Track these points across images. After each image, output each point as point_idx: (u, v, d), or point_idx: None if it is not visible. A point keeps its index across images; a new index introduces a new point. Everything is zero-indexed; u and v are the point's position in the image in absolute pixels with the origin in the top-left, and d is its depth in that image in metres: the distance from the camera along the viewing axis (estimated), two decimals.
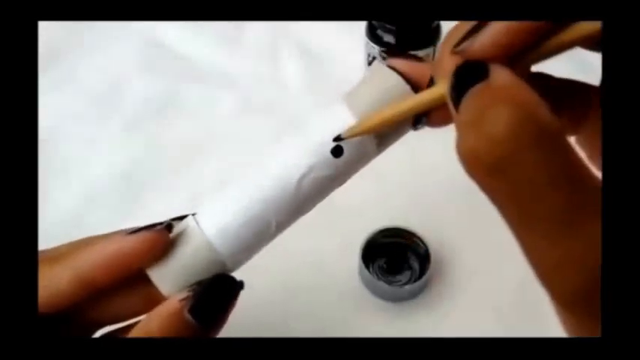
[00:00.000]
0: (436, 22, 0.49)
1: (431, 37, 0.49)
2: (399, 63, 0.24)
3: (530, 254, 0.18)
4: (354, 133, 0.24)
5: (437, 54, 0.22)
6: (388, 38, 0.48)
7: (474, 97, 0.18)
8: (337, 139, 0.24)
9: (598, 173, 0.18)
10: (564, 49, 0.19)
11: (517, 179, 0.17)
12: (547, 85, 0.23)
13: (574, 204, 0.17)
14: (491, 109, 0.17)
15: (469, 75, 0.19)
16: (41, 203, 0.45)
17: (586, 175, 0.17)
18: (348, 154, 0.24)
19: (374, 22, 0.49)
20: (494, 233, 0.36)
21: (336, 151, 0.24)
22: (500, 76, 0.18)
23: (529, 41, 0.19)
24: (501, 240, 0.33)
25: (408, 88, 0.24)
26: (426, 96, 0.22)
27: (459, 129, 0.18)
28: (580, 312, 0.17)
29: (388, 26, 0.47)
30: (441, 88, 0.21)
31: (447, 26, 0.49)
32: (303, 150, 0.25)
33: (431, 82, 0.22)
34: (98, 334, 0.28)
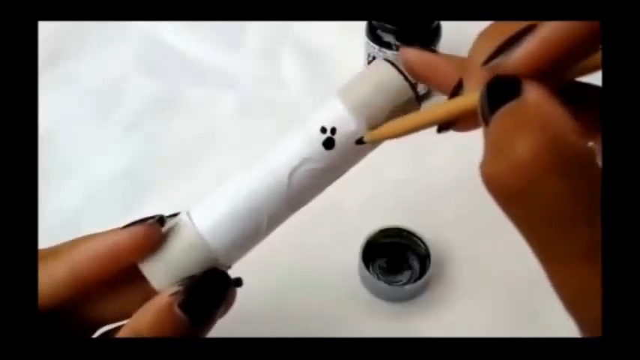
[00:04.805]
0: (436, 22, 0.49)
1: (431, 37, 0.49)
2: (411, 53, 0.24)
3: (553, 280, 0.18)
4: (378, 137, 0.24)
5: (467, 58, 0.21)
6: (388, 38, 0.48)
7: (503, 116, 0.18)
8: (359, 141, 0.24)
9: None
10: (596, 70, 0.18)
11: (539, 209, 0.17)
12: (566, 89, 0.22)
13: (598, 239, 0.16)
14: (517, 134, 0.17)
15: (501, 91, 0.18)
16: (41, 203, 0.45)
17: None
18: (339, 146, 0.24)
19: (374, 22, 0.49)
20: (494, 233, 0.36)
21: (328, 143, 0.24)
22: (533, 95, 0.17)
23: (568, 59, 0.18)
24: (502, 240, 0.33)
25: (401, 79, 0.24)
26: (459, 104, 0.21)
27: (485, 148, 0.18)
28: None
29: (388, 26, 0.47)
30: (473, 99, 0.20)
31: (447, 26, 0.49)
32: (294, 143, 0.25)
33: (459, 87, 0.22)
34: (98, 333, 0.28)
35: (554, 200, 0.16)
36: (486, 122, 0.18)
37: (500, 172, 0.17)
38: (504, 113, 0.18)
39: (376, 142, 0.24)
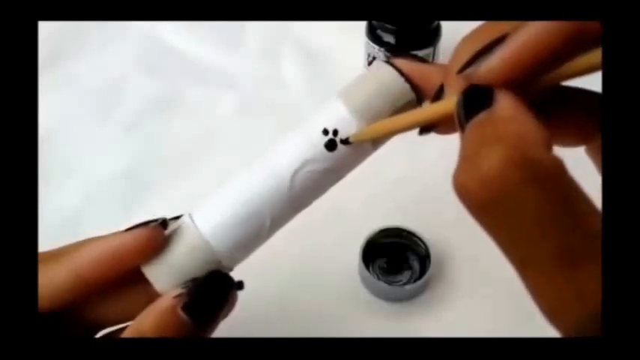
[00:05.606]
0: (436, 23, 0.49)
1: (431, 37, 0.49)
2: (402, 63, 0.24)
3: (530, 288, 0.18)
4: (362, 138, 0.24)
5: (450, 59, 0.21)
6: (388, 38, 0.48)
7: (475, 126, 0.18)
8: (345, 141, 0.24)
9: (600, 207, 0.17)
10: (579, 75, 0.18)
11: (508, 221, 0.17)
12: (558, 94, 0.22)
13: (571, 247, 0.17)
14: (486, 146, 0.17)
15: (475, 100, 0.18)
16: (41, 203, 0.45)
17: (586, 216, 0.17)
18: (342, 148, 0.24)
19: (374, 22, 0.49)
20: None
21: (330, 145, 0.24)
22: (504, 106, 0.18)
23: (540, 67, 0.18)
24: None
25: (402, 81, 0.24)
26: (438, 108, 0.21)
27: (459, 157, 0.18)
28: None
29: (388, 26, 0.47)
30: (450, 104, 0.20)
31: (447, 26, 0.49)
32: (296, 145, 0.25)
33: (440, 91, 0.22)
34: (100, 334, 0.28)
35: (523, 212, 0.17)
36: (462, 129, 0.19)
37: (469, 183, 0.17)
38: (476, 123, 0.18)
39: (362, 142, 0.24)
